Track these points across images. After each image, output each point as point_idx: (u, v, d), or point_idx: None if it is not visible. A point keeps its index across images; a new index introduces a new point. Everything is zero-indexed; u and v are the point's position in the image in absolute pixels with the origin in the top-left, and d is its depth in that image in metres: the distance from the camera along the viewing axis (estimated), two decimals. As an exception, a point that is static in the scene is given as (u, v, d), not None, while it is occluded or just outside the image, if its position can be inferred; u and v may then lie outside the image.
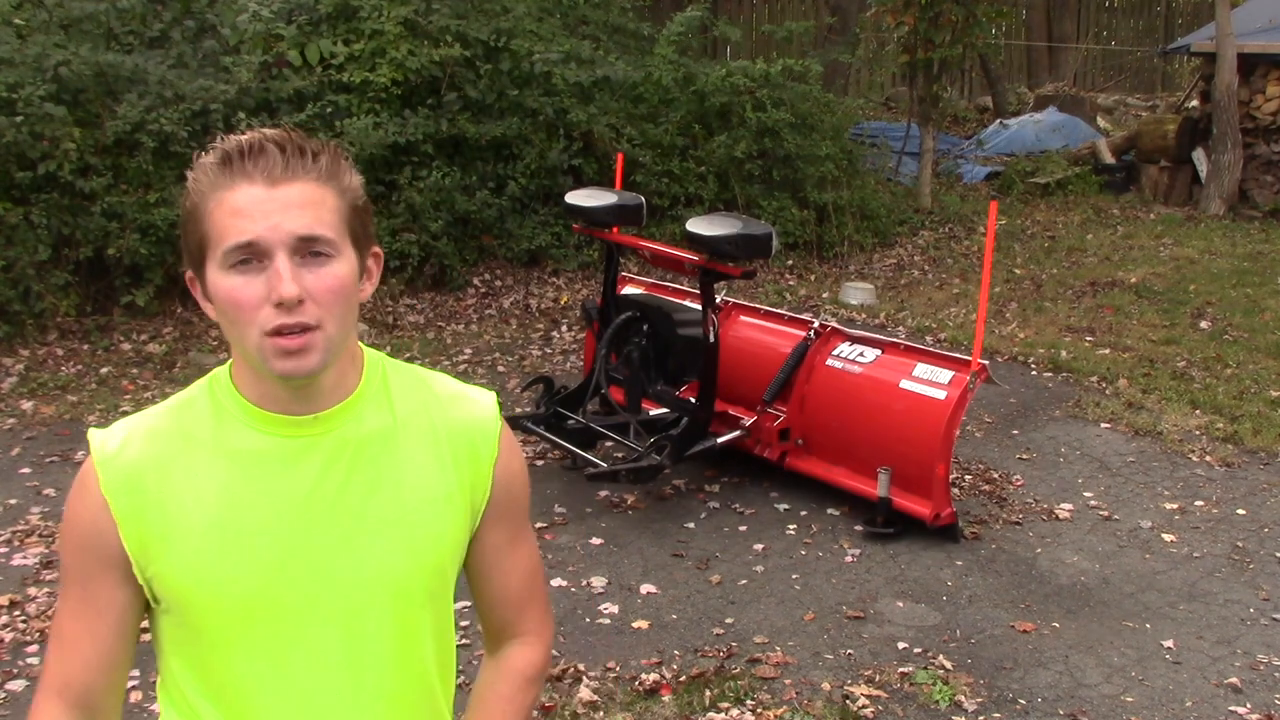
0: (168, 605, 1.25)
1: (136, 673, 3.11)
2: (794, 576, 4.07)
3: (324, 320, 1.18)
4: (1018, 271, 9.10)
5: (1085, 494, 4.85)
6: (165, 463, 1.24)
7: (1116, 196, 12.02)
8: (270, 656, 1.26)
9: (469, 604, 1.48)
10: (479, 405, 1.38)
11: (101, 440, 1.26)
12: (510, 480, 1.39)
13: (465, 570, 1.41)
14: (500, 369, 6.39)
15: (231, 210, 1.16)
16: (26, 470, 4.85)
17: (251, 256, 1.16)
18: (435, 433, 1.33)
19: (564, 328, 7.22)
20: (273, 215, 1.16)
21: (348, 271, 1.21)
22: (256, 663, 1.26)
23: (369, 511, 1.27)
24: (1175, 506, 4.74)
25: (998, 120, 14.29)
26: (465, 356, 6.58)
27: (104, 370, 6.07)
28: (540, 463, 5.03)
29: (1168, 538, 4.44)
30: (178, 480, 1.24)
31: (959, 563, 4.19)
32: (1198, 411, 5.84)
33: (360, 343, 1.34)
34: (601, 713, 3.22)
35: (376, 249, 1.30)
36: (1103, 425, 5.66)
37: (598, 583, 3.96)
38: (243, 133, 1.21)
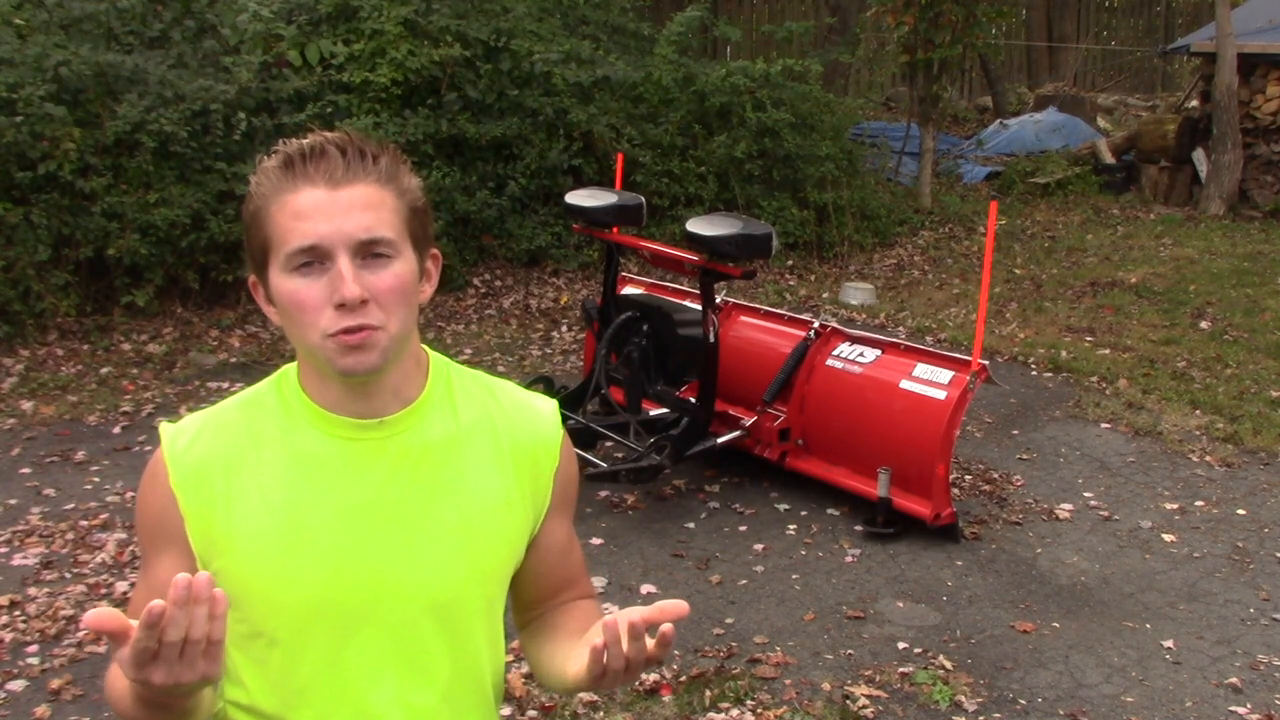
0: (229, 601, 1.26)
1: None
2: (794, 576, 4.07)
3: (386, 321, 1.20)
4: (1018, 271, 9.10)
5: (1085, 494, 4.85)
6: (233, 461, 1.26)
7: (1116, 196, 12.02)
8: (327, 657, 1.28)
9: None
10: (542, 415, 1.40)
11: (172, 434, 1.29)
12: (567, 485, 1.42)
13: (520, 568, 1.42)
14: (500, 369, 6.39)
15: (294, 213, 1.17)
16: (26, 470, 4.85)
17: (314, 259, 1.18)
18: (498, 441, 1.35)
19: (564, 328, 7.22)
20: (335, 218, 1.17)
21: (408, 272, 1.22)
22: (314, 662, 1.28)
23: (430, 519, 1.29)
24: (1175, 506, 4.74)
25: (998, 120, 14.29)
26: (465, 357, 6.58)
27: (104, 370, 6.07)
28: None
29: (1168, 538, 4.45)
30: (244, 479, 1.26)
31: (959, 563, 4.19)
32: (1198, 411, 5.85)
33: (425, 347, 1.35)
34: (601, 713, 3.22)
35: (435, 251, 1.31)
36: (1103, 425, 5.66)
37: (598, 583, 3.96)
38: (303, 136, 1.22)
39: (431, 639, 1.31)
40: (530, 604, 1.48)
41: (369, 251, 1.19)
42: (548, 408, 1.41)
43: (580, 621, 1.41)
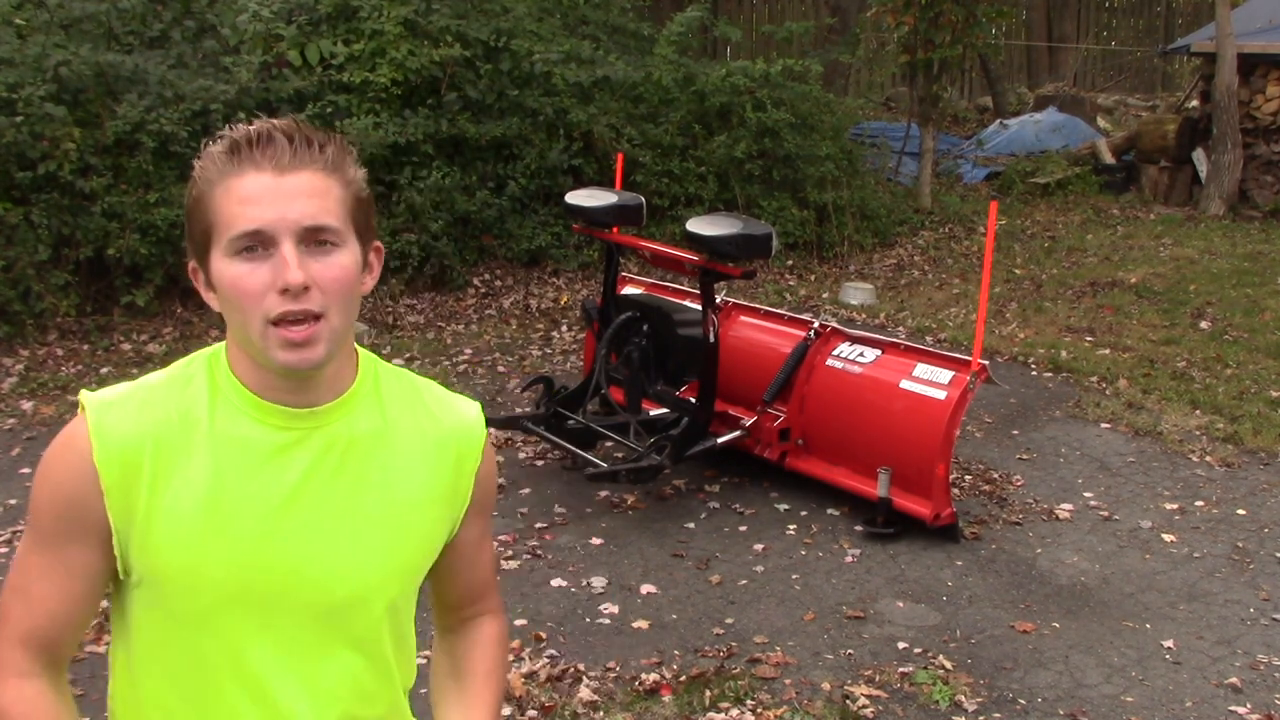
0: (139, 579, 1.25)
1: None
2: (794, 576, 4.07)
3: (329, 309, 1.19)
4: (1018, 271, 9.10)
5: (1085, 494, 4.85)
6: (160, 440, 1.24)
7: (1116, 196, 12.02)
8: (235, 641, 1.27)
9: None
10: (465, 414, 1.40)
11: (98, 407, 1.24)
12: (487, 483, 1.43)
13: (436, 567, 1.43)
14: (500, 369, 6.39)
15: (240, 198, 1.17)
16: (26, 470, 4.85)
17: (258, 244, 1.17)
18: (424, 438, 1.35)
19: (564, 328, 7.22)
20: (280, 203, 1.16)
21: (352, 262, 1.22)
22: (220, 646, 1.27)
23: (353, 511, 1.29)
24: (1175, 506, 4.74)
25: (998, 120, 14.29)
26: (465, 356, 6.58)
27: (104, 370, 6.07)
28: (540, 463, 5.03)
29: (1168, 538, 4.45)
30: (170, 460, 1.24)
31: (959, 563, 4.19)
32: (1198, 411, 5.84)
33: (355, 343, 1.35)
34: (601, 713, 3.22)
35: (377, 243, 1.31)
36: (1103, 425, 5.66)
37: (598, 583, 3.96)
38: (249, 123, 1.21)
39: (341, 630, 1.31)
40: (444, 607, 1.51)
41: (314, 239, 1.18)
42: (472, 409, 1.42)
43: (477, 664, 1.48)
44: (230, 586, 1.25)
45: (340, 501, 1.29)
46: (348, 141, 1.27)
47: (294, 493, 1.26)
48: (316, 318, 1.18)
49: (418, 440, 1.35)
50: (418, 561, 1.36)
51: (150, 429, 1.24)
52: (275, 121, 1.21)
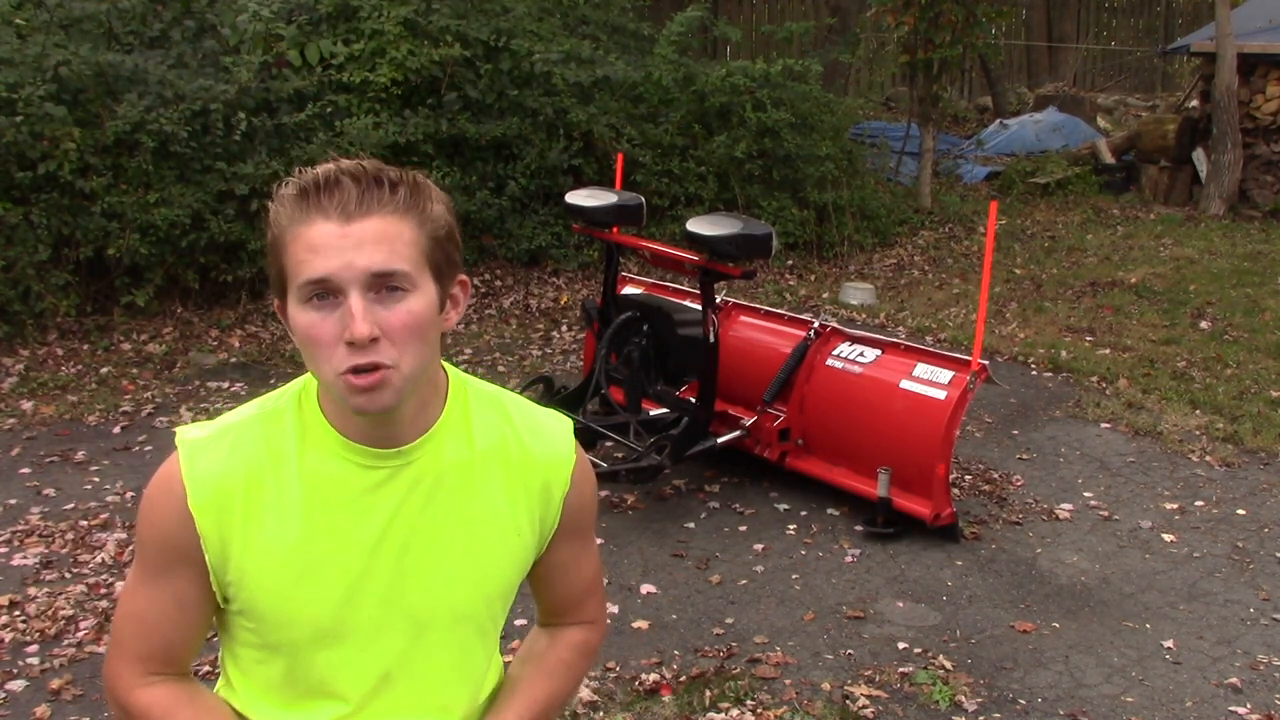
0: (240, 609, 1.30)
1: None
2: (794, 576, 4.07)
3: (398, 359, 1.18)
4: (1018, 271, 9.10)
5: (1085, 494, 4.85)
6: (251, 479, 1.26)
7: (1116, 196, 12.02)
8: (328, 669, 1.31)
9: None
10: (555, 438, 1.39)
11: (190, 448, 1.27)
12: (580, 506, 1.42)
13: (529, 577, 1.46)
14: (500, 369, 6.39)
15: (307, 246, 1.16)
16: (26, 470, 4.85)
17: (327, 292, 1.17)
18: (510, 466, 1.36)
19: (564, 328, 7.22)
20: (346, 252, 1.15)
21: (424, 306, 1.20)
22: (314, 672, 1.31)
23: (440, 544, 1.31)
24: (1175, 506, 4.74)
25: (998, 120, 14.29)
26: (465, 356, 6.58)
27: (104, 370, 6.07)
28: (540, 463, 5.02)
29: (1168, 538, 4.44)
30: (262, 499, 1.26)
31: (959, 563, 4.19)
32: (1198, 411, 5.84)
33: (445, 364, 1.35)
34: (601, 713, 3.22)
35: (463, 277, 1.29)
36: (1103, 425, 5.66)
37: (598, 583, 3.95)
38: (319, 164, 1.21)
39: (436, 654, 1.34)
40: (543, 610, 1.54)
41: (383, 285, 1.17)
42: (562, 431, 1.40)
43: (541, 659, 1.49)
44: (323, 623, 1.28)
45: (427, 537, 1.30)
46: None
47: (383, 532, 1.28)
48: (385, 367, 1.18)
49: (504, 468, 1.35)
50: (505, 586, 1.38)
51: (241, 470, 1.26)
52: (345, 163, 1.19)
